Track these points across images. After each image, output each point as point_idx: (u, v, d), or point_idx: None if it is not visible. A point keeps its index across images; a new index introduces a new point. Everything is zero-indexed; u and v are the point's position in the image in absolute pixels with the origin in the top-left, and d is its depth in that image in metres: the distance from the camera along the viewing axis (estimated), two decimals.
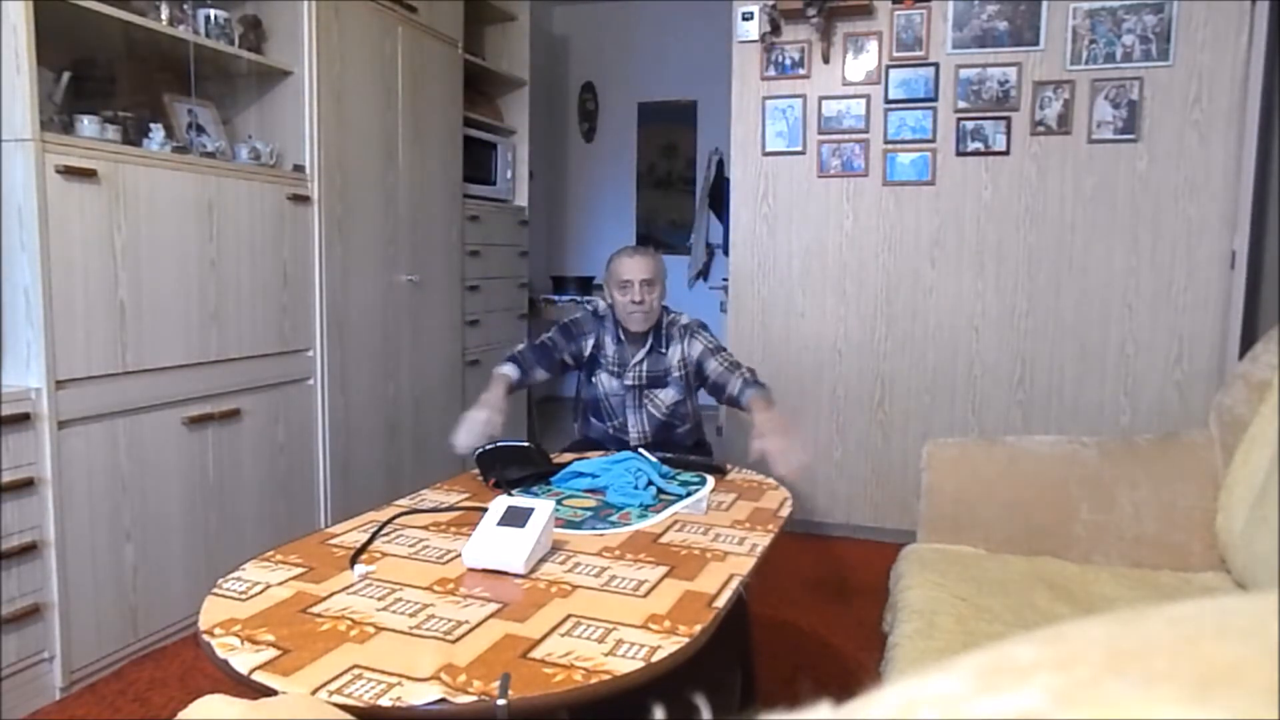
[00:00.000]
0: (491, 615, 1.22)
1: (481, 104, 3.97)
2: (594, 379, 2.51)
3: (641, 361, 2.46)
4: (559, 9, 5.63)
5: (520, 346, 2.53)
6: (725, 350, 2.50)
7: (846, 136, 3.19)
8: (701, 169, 5.18)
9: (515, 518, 1.43)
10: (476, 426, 2.14)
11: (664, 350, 2.47)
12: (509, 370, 2.38)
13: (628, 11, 5.56)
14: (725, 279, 3.59)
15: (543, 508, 1.45)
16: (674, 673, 1.11)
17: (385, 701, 0.99)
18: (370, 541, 1.53)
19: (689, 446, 2.55)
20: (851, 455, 3.29)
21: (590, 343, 2.50)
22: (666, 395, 2.48)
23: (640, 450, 2.01)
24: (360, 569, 1.40)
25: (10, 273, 1.97)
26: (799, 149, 3.24)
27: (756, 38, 3.21)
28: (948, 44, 3.05)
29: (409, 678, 1.04)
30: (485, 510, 1.48)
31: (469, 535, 1.48)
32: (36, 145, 1.92)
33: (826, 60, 3.16)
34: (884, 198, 3.18)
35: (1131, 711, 0.21)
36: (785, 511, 1.78)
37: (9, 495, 1.92)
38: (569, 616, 1.22)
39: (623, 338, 2.47)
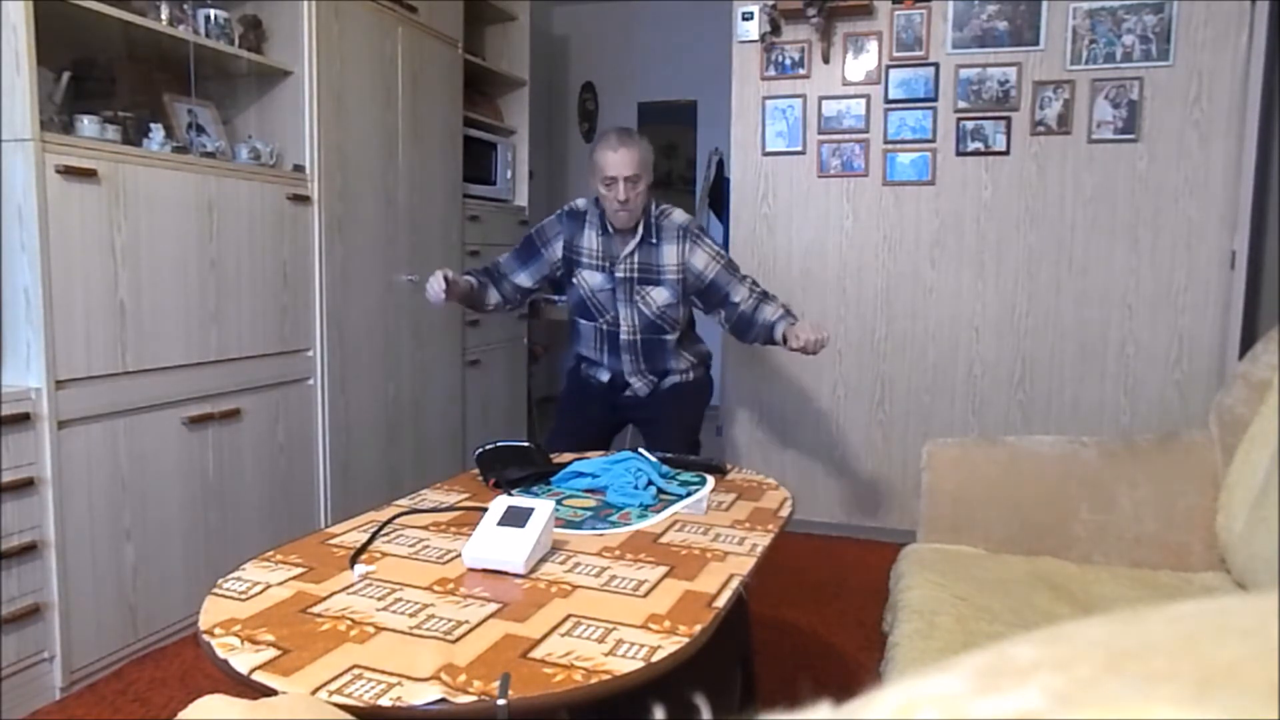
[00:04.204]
0: (491, 615, 1.22)
1: (481, 104, 3.98)
2: (575, 279, 2.45)
3: (633, 253, 2.40)
4: (559, 9, 5.63)
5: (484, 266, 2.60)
6: (736, 268, 2.44)
7: (846, 136, 3.19)
8: (701, 169, 5.19)
9: (515, 518, 1.43)
10: (438, 280, 2.27)
11: (655, 242, 2.40)
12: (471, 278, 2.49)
13: (628, 11, 5.56)
14: None
15: (543, 508, 1.45)
16: (674, 673, 1.11)
17: (385, 701, 0.99)
18: (370, 541, 1.53)
19: (674, 368, 2.51)
20: (851, 455, 3.29)
21: (560, 245, 2.45)
22: (659, 295, 2.41)
23: (640, 450, 2.01)
24: (360, 569, 1.40)
25: (10, 273, 1.97)
26: (799, 149, 3.24)
27: (756, 38, 3.21)
28: (948, 44, 3.05)
29: (409, 678, 1.04)
30: (485, 510, 1.48)
31: (469, 535, 1.48)
32: (36, 145, 1.92)
33: (826, 60, 3.17)
34: (884, 198, 3.18)
35: (1131, 711, 0.21)
36: (785, 511, 1.78)
37: (9, 495, 1.92)
38: (569, 616, 1.22)
39: (611, 230, 2.41)
